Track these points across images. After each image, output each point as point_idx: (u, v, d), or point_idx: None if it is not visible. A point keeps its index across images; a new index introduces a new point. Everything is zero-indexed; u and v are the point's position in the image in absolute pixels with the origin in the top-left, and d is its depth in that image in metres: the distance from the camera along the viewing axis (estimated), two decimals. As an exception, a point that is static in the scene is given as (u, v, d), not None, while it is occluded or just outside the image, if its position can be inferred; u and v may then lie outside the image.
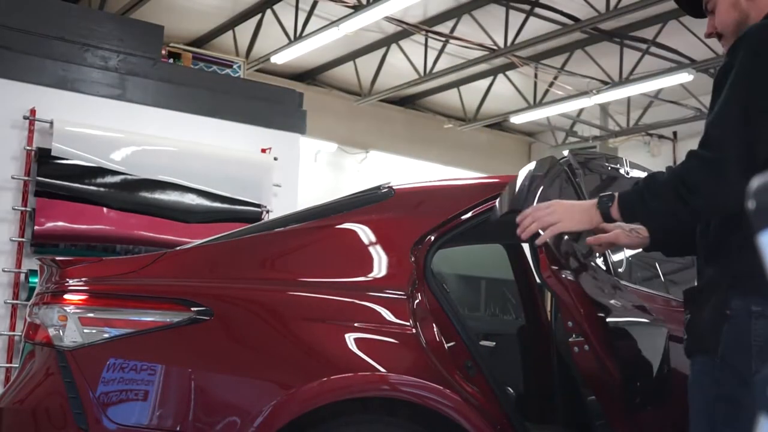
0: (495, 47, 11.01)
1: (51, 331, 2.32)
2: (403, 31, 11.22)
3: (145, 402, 2.23)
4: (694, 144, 1.96)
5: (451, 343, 2.49)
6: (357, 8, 9.50)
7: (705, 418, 1.88)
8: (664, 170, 2.02)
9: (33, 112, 5.20)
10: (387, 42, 11.89)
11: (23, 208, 5.14)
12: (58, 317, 2.32)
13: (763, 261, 0.93)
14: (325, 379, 2.29)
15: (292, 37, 10.83)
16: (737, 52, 1.86)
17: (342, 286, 2.51)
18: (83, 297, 2.37)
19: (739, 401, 1.80)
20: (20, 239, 5.12)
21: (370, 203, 2.75)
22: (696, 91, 12.38)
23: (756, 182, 0.94)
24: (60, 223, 5.14)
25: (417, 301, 2.49)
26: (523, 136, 16.06)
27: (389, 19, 10.42)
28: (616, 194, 2.03)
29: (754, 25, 1.91)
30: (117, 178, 5.37)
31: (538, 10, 10.38)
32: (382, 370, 2.36)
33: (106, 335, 2.29)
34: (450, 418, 2.36)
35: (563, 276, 2.38)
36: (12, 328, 5.06)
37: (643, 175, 2.94)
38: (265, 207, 5.92)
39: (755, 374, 1.77)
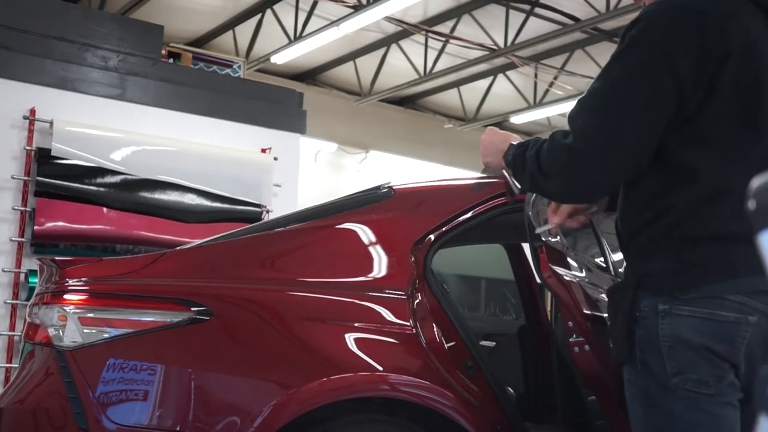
0: (495, 47, 11.01)
1: (51, 331, 2.32)
2: (403, 31, 11.22)
3: (145, 402, 2.23)
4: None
5: (451, 343, 2.49)
6: (357, 8, 9.50)
7: (642, 427, 1.80)
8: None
9: (33, 112, 5.20)
10: (387, 42, 11.89)
11: (23, 208, 5.14)
12: (58, 317, 2.32)
13: (763, 261, 0.93)
14: (325, 379, 2.29)
15: (292, 37, 10.83)
16: (625, 33, 1.80)
17: (342, 286, 2.51)
18: (83, 297, 2.36)
19: (664, 407, 1.73)
20: (20, 239, 5.12)
21: (370, 203, 2.75)
22: (696, 91, 12.36)
23: (756, 182, 0.94)
24: (60, 223, 5.14)
25: (417, 301, 2.49)
26: (523, 136, 16.02)
27: (389, 19, 10.42)
28: (514, 145, 2.04)
29: (655, 2, 1.81)
30: (117, 178, 5.36)
31: (538, 10, 10.38)
32: (382, 370, 2.36)
33: (106, 335, 2.29)
34: (450, 418, 2.36)
35: (563, 276, 2.38)
36: (12, 328, 5.06)
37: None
38: (265, 207, 5.92)
39: (672, 377, 1.71)
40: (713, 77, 1.70)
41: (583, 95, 1.83)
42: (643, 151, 1.74)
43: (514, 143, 2.04)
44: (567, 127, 1.85)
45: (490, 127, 2.23)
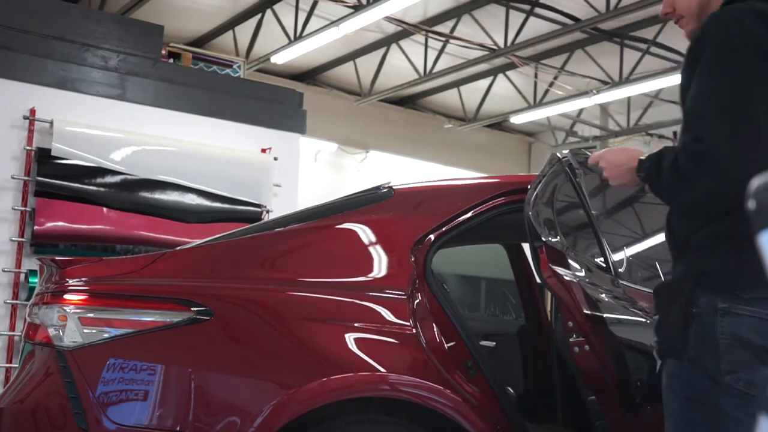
0: (495, 47, 11.01)
1: (51, 331, 2.32)
2: (403, 31, 11.22)
3: (145, 402, 2.23)
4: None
5: (451, 343, 2.50)
6: (357, 8, 9.49)
7: (677, 421, 1.83)
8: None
9: (33, 112, 5.20)
10: (387, 42, 11.89)
11: (23, 208, 5.14)
12: (58, 317, 2.32)
13: (763, 260, 0.93)
14: (326, 379, 2.30)
15: (292, 37, 10.83)
16: (703, 46, 1.81)
17: (342, 286, 2.52)
18: (83, 297, 2.37)
19: (711, 402, 1.75)
20: (20, 239, 5.12)
21: (370, 203, 2.75)
22: (696, 91, 12.35)
23: (756, 182, 0.94)
24: (60, 223, 5.14)
25: (417, 301, 2.50)
26: (523, 136, 16.06)
27: (389, 19, 10.41)
28: (644, 159, 1.93)
29: (714, 14, 1.85)
30: (117, 178, 5.36)
31: (538, 10, 10.38)
32: (382, 370, 2.36)
33: (106, 335, 2.29)
34: (450, 418, 2.36)
35: (563, 276, 2.38)
36: (12, 328, 5.06)
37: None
38: (265, 207, 5.92)
39: (725, 374, 1.72)
40: None
41: (697, 102, 1.80)
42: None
43: (642, 158, 1.96)
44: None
45: (613, 149, 2.07)
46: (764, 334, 1.71)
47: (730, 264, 1.76)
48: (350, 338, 2.39)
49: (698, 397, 1.78)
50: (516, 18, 10.56)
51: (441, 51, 11.70)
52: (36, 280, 4.55)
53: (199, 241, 2.93)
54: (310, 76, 13.35)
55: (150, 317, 2.32)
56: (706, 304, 1.77)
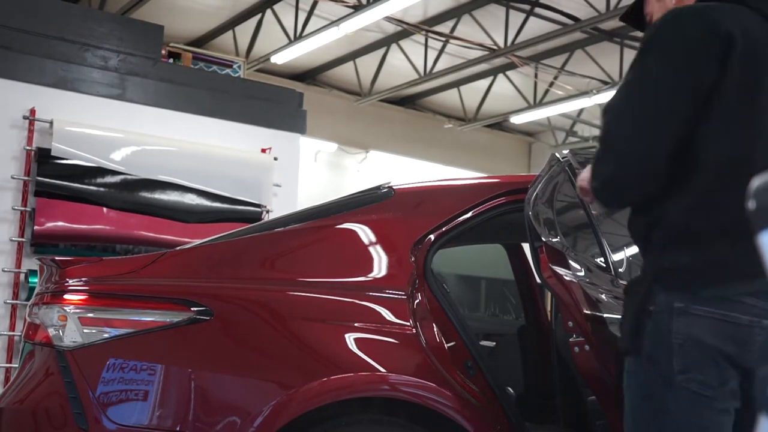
0: (495, 47, 11.01)
1: (51, 331, 2.32)
2: (403, 31, 11.22)
3: (145, 402, 2.23)
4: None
5: (451, 343, 2.50)
6: (357, 8, 9.50)
7: (632, 419, 1.82)
8: None
9: (33, 112, 5.20)
10: (387, 42, 11.89)
11: (23, 208, 5.14)
12: (58, 317, 2.32)
13: (763, 260, 0.93)
14: (326, 379, 2.30)
15: (292, 37, 10.83)
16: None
17: (342, 286, 2.52)
18: (83, 297, 2.37)
19: (663, 402, 1.74)
20: (20, 239, 5.12)
21: (370, 203, 2.75)
22: (696, 91, 12.36)
23: (756, 182, 0.94)
24: (60, 223, 5.14)
25: (417, 301, 2.50)
26: (523, 136, 16.06)
27: (389, 19, 10.42)
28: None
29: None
30: (117, 178, 5.36)
31: (538, 10, 10.38)
32: (382, 370, 2.36)
33: (106, 335, 2.29)
34: (450, 418, 2.36)
35: (563, 276, 2.38)
36: (12, 328, 5.06)
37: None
38: (265, 207, 5.92)
39: (677, 374, 1.71)
40: (722, 64, 1.73)
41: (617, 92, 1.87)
42: (661, 145, 1.76)
43: None
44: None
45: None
46: (718, 335, 1.69)
47: (688, 263, 1.74)
48: (350, 338, 2.39)
49: (650, 396, 1.77)
50: (516, 18, 10.56)
51: (441, 51, 11.71)
52: (36, 280, 4.55)
53: (199, 241, 2.93)
54: (310, 76, 13.36)
55: (150, 317, 2.32)
56: (663, 302, 1.75)
